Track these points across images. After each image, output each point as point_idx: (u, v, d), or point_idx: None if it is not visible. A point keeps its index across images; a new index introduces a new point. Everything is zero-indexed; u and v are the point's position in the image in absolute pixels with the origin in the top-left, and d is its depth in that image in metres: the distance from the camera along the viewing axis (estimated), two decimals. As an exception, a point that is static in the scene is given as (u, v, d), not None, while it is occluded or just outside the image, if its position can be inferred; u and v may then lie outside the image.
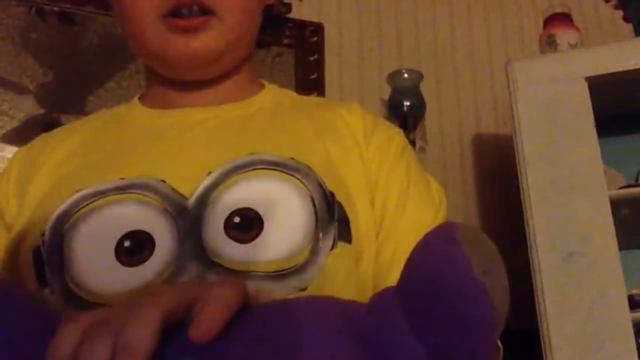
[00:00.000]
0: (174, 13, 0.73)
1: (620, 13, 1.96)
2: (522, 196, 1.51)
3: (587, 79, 1.55)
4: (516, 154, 1.54)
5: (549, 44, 1.75)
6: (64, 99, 1.86)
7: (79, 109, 1.84)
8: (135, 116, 0.81)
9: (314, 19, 2.04)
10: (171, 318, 0.39)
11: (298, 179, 0.68)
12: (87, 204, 0.66)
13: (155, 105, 0.81)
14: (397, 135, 0.81)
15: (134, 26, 0.77)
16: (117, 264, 0.62)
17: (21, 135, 1.81)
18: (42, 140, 0.82)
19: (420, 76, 1.91)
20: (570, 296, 1.39)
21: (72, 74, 1.88)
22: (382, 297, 0.43)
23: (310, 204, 0.67)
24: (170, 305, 0.39)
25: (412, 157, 0.80)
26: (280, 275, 0.63)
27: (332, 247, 0.66)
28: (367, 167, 0.75)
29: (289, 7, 2.01)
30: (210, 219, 0.64)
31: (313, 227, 0.66)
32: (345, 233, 0.68)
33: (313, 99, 0.86)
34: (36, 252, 0.66)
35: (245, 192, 0.66)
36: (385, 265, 0.70)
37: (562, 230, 1.44)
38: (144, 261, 0.62)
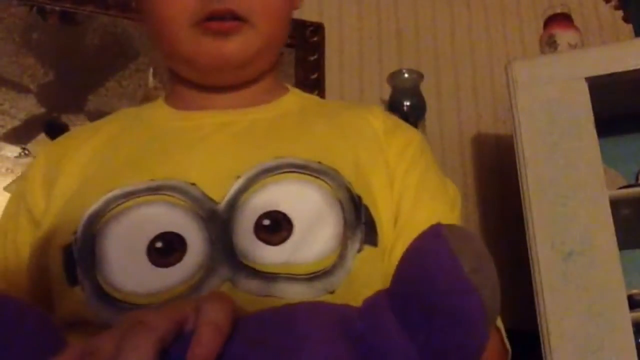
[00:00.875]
0: (207, 19, 0.74)
1: (620, 14, 1.96)
2: (522, 196, 1.51)
3: (587, 79, 1.55)
4: (516, 154, 1.55)
5: (549, 44, 1.75)
6: (64, 98, 1.86)
7: (79, 109, 1.84)
8: (161, 116, 0.81)
9: (315, 18, 2.05)
10: (164, 344, 0.39)
11: (325, 182, 0.68)
12: (118, 205, 0.66)
13: (180, 106, 0.81)
14: (416, 137, 0.82)
15: (165, 30, 0.77)
16: (149, 264, 0.63)
17: (22, 134, 1.81)
18: (66, 140, 0.82)
19: (420, 76, 1.91)
20: (570, 296, 1.39)
21: (72, 74, 1.88)
22: (375, 300, 0.43)
23: (338, 207, 0.67)
24: (163, 331, 0.39)
25: (430, 158, 0.81)
26: (309, 277, 0.63)
27: (359, 250, 0.67)
28: (389, 169, 0.75)
29: (289, 7, 2.01)
30: (240, 222, 0.65)
31: (341, 230, 0.66)
32: (371, 236, 0.69)
33: (337, 102, 0.87)
34: (67, 250, 0.66)
35: (274, 195, 0.66)
36: (396, 262, 0.70)
37: (562, 230, 1.44)
38: (175, 263, 0.63)
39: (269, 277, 0.63)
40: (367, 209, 0.69)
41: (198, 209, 0.66)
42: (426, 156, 0.81)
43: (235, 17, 0.74)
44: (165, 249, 0.63)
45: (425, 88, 1.92)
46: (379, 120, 0.80)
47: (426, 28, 2.18)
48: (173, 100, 0.83)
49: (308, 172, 0.68)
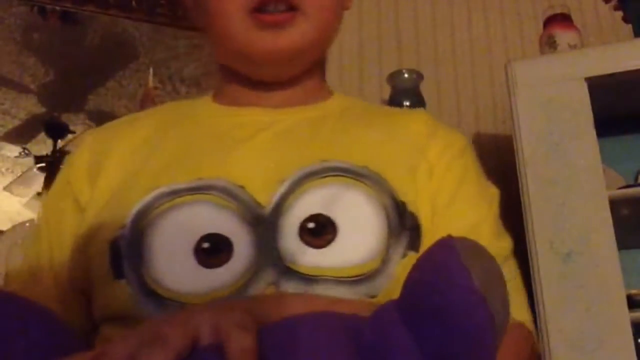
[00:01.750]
0: (260, 9, 0.74)
1: (620, 14, 1.96)
2: (521, 196, 1.51)
3: (587, 79, 1.55)
4: (516, 154, 1.55)
5: (548, 44, 1.75)
6: (65, 97, 1.87)
7: (80, 108, 1.84)
8: (207, 112, 0.81)
9: (315, 19, 2.04)
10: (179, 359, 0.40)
11: (370, 187, 0.68)
12: (166, 202, 0.67)
13: (226, 102, 0.82)
14: (459, 139, 0.82)
15: (218, 22, 0.77)
16: (196, 264, 0.63)
17: (22, 134, 1.81)
18: (109, 129, 0.82)
19: (420, 76, 1.91)
20: (569, 296, 1.39)
21: (73, 73, 1.88)
22: (384, 311, 0.43)
23: (382, 213, 0.67)
24: (179, 348, 0.40)
25: (470, 159, 0.81)
26: (353, 281, 0.63)
27: (403, 256, 0.67)
28: (430, 171, 0.75)
29: (289, 7, 2.01)
30: (285, 226, 0.65)
31: (385, 235, 0.66)
32: (415, 242, 0.69)
33: (381, 107, 0.89)
34: (114, 244, 0.67)
35: (319, 198, 0.67)
36: None
37: (561, 230, 1.44)
38: (221, 264, 0.63)
39: (312, 279, 0.63)
40: (412, 215, 0.69)
41: (245, 212, 0.66)
42: (467, 157, 0.81)
43: (288, 4, 0.74)
44: (212, 249, 0.64)
45: (425, 88, 1.92)
46: (421, 123, 0.81)
47: (426, 28, 2.18)
48: (220, 97, 0.84)
49: (353, 176, 0.68)
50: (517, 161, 1.54)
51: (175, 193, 0.67)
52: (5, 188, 2.13)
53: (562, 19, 1.78)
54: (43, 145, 1.86)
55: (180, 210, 0.66)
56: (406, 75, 1.89)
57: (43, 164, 2.03)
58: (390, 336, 0.40)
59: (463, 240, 0.43)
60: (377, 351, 0.40)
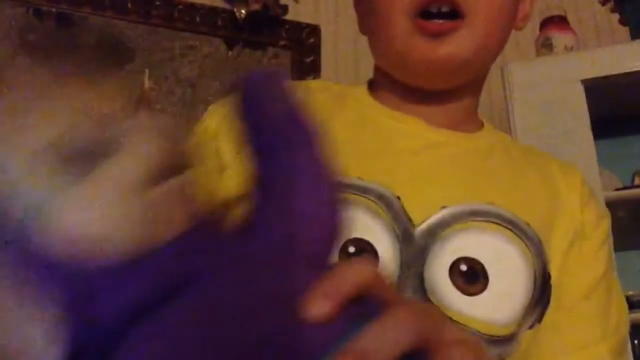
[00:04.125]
0: (423, 13, 0.69)
1: (616, 16, 1.96)
2: (518, 198, 1.51)
3: (583, 81, 1.56)
4: (512, 155, 1.55)
5: (545, 46, 1.75)
6: (60, 99, 1.86)
7: (75, 110, 1.85)
8: (370, 107, 0.77)
9: (311, 20, 2.05)
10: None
11: (528, 247, 0.65)
12: None
13: (387, 104, 0.77)
14: (606, 217, 0.76)
15: (380, 24, 0.74)
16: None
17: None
18: None
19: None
20: (566, 298, 1.39)
21: (68, 75, 1.88)
22: None
23: (532, 278, 0.64)
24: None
25: (610, 249, 0.75)
26: (489, 339, 0.61)
27: (531, 327, 0.64)
28: (580, 246, 0.70)
29: (285, 8, 2.01)
30: (437, 257, 0.62)
31: (529, 301, 0.63)
32: (542, 316, 0.66)
33: (531, 149, 0.82)
34: None
35: (477, 242, 0.63)
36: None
37: (557, 232, 1.44)
38: None
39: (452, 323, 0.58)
40: (551, 288, 0.66)
41: (395, 225, 0.63)
42: (609, 244, 0.74)
43: (453, 10, 0.68)
44: (356, 254, 0.61)
45: (422, 90, 1.92)
46: (576, 191, 0.74)
47: (422, 30, 2.18)
48: (379, 97, 0.79)
49: (515, 231, 0.65)
50: (513, 163, 1.54)
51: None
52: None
53: (558, 21, 1.79)
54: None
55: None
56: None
57: (39, 166, 2.05)
58: None
59: None
60: None
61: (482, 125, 0.80)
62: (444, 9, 0.68)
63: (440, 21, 0.68)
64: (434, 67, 0.71)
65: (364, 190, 0.64)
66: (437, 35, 0.69)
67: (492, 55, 0.76)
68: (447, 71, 0.72)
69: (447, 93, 0.75)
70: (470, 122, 0.78)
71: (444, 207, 0.64)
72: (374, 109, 0.76)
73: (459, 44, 0.69)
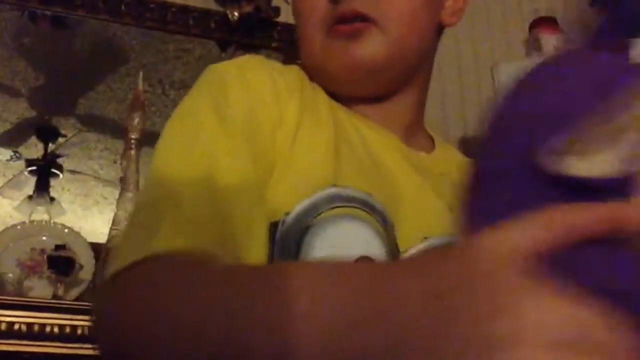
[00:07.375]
0: (336, 23, 0.72)
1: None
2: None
3: (571, 81, 1.57)
4: (501, 155, 1.57)
5: (534, 47, 1.78)
6: (55, 101, 1.88)
7: (70, 112, 1.86)
8: (344, 112, 0.76)
9: (303, 22, 2.06)
10: None
11: None
12: (337, 207, 0.64)
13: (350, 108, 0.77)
14: None
15: (302, 42, 0.78)
16: None
17: (14, 137, 1.82)
18: (281, 76, 0.75)
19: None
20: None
21: (63, 77, 1.89)
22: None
23: None
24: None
25: None
26: None
27: None
28: None
29: (277, 10, 2.03)
30: None
31: None
32: None
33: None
34: (273, 227, 0.64)
35: None
36: None
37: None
38: None
39: None
40: None
41: (390, 249, 0.64)
42: None
43: (363, 18, 0.71)
44: None
45: (413, 90, 1.94)
46: None
47: (414, 31, 2.19)
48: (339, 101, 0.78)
49: None
50: (502, 162, 1.56)
51: (347, 200, 0.65)
52: (-3, 192, 2.15)
53: (547, 22, 1.81)
54: (34, 148, 1.87)
55: (348, 223, 0.64)
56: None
57: (34, 168, 2.05)
58: None
59: None
60: None
61: (433, 139, 0.81)
62: (356, 22, 0.71)
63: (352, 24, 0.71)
64: (351, 70, 0.73)
65: (372, 208, 0.65)
66: (351, 35, 0.71)
67: (414, 56, 0.76)
68: (363, 73, 0.73)
69: (383, 100, 0.77)
70: (423, 132, 0.80)
71: (425, 238, 0.66)
72: (349, 114, 0.76)
73: (372, 45, 0.72)
